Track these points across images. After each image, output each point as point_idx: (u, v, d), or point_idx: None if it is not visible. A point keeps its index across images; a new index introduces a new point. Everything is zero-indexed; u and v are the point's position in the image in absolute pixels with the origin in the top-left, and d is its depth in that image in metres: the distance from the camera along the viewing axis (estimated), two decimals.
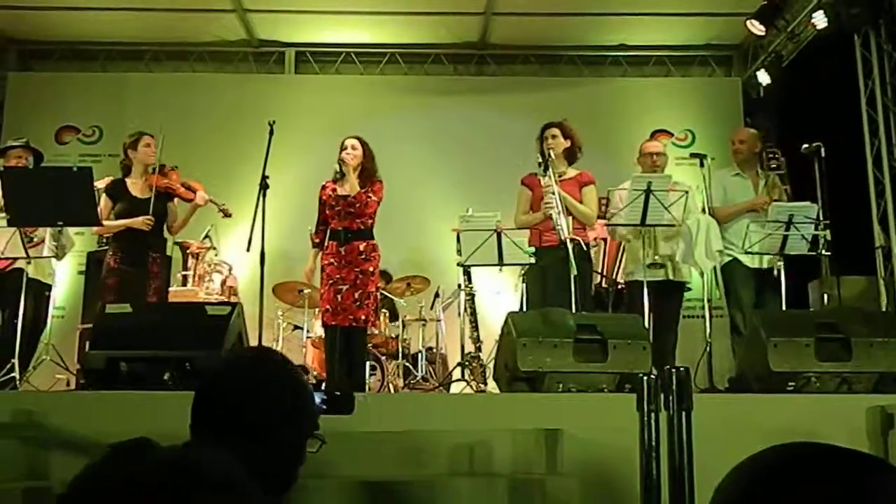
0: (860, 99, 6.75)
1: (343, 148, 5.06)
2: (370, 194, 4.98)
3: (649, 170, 5.52)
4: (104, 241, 6.73)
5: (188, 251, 6.30)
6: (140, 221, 5.17)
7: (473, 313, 5.36)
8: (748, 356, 4.18)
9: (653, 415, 2.66)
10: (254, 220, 4.60)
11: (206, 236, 6.37)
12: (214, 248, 6.43)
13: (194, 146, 7.25)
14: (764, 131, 7.77)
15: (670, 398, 2.53)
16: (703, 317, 7.51)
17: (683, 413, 2.52)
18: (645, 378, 2.73)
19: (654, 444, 2.65)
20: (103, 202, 5.23)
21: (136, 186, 5.36)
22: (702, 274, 5.10)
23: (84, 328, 6.57)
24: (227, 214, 5.61)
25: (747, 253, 5.01)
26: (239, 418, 1.50)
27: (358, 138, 5.12)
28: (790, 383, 3.94)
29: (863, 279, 6.31)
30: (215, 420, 1.50)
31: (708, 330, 4.97)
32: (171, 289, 5.73)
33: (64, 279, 6.79)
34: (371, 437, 3.32)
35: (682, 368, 2.56)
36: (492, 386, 4.90)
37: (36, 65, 8.49)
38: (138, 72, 8.36)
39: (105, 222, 5.17)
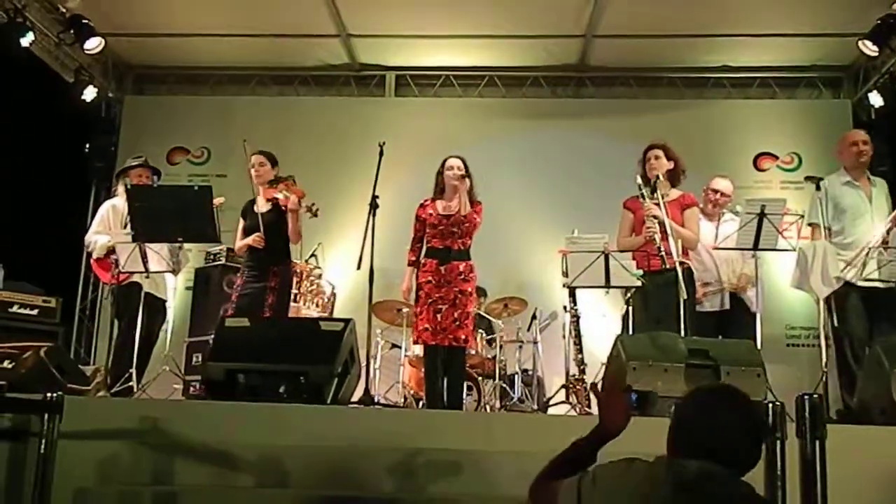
0: None
1: (448, 168, 5.11)
2: (475, 215, 5.03)
3: (710, 207, 5.49)
4: (212, 257, 7.00)
5: (294, 270, 6.44)
6: (251, 240, 5.34)
7: (578, 335, 5.31)
8: (869, 386, 4.02)
9: (778, 443, 2.60)
10: (364, 238, 4.70)
11: (313, 255, 6.51)
12: (319, 268, 6.56)
13: (297, 167, 7.35)
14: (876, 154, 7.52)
15: (803, 426, 2.46)
16: (810, 346, 7.36)
17: (817, 441, 2.45)
18: (770, 405, 2.67)
19: (780, 472, 2.58)
20: (240, 223, 5.46)
21: (259, 203, 5.55)
22: (817, 301, 4.92)
23: (191, 342, 6.82)
24: (314, 214, 5.58)
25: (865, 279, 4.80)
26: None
27: (461, 159, 5.16)
28: None
29: None
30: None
31: (824, 359, 4.78)
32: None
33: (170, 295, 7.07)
34: (489, 456, 3.35)
35: (815, 395, 2.48)
36: (596, 408, 4.85)
37: (150, 88, 8.92)
38: (245, 95, 8.67)
39: (237, 243, 5.44)
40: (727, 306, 5.51)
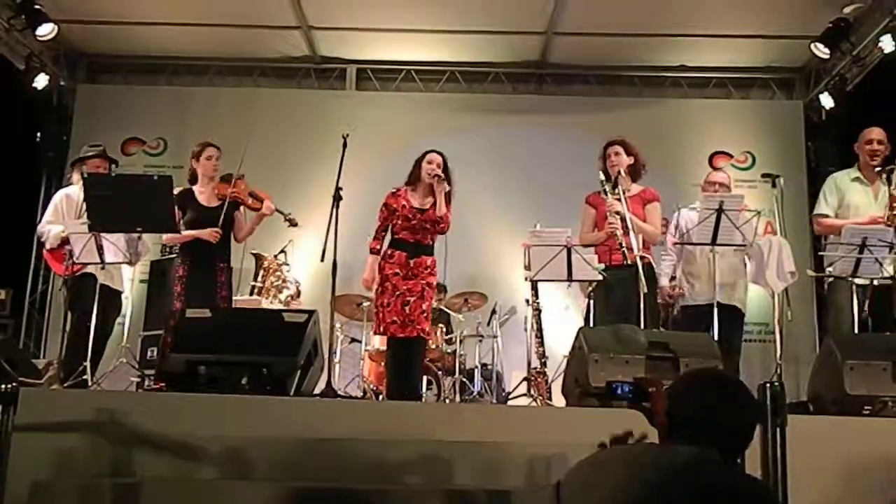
0: None
1: (427, 161, 5.02)
2: (450, 216, 5.00)
3: None
4: (168, 250, 6.88)
5: (261, 264, 6.40)
6: (207, 234, 5.29)
7: (540, 329, 5.35)
8: (823, 378, 4.12)
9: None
10: (327, 231, 4.68)
11: (282, 251, 6.46)
12: (287, 265, 6.51)
13: (255, 160, 7.29)
14: (826, 155, 7.75)
15: (765, 413, 2.52)
16: (762, 341, 7.52)
17: (778, 429, 2.51)
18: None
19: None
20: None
21: (203, 195, 5.49)
22: (773, 295, 5.02)
23: (146, 335, 6.70)
24: (292, 224, 5.70)
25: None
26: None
27: (442, 155, 5.07)
28: (866, 407, 3.89)
29: None
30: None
31: (779, 352, 4.89)
32: (236, 297, 5.81)
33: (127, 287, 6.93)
34: (453, 446, 3.35)
35: (776, 383, 2.54)
36: (557, 401, 4.89)
37: (104, 77, 8.73)
38: (203, 86, 8.55)
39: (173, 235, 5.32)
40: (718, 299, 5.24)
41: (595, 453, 1.96)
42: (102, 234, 5.02)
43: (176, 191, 5.37)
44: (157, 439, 3.40)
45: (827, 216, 5.18)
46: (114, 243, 5.10)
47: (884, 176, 5.03)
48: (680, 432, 1.91)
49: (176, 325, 4.09)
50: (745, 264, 5.24)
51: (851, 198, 5.15)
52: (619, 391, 2.21)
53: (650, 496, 1.78)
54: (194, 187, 5.53)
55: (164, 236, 5.67)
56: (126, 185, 4.98)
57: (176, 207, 5.32)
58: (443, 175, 4.96)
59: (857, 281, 4.82)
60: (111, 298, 5.59)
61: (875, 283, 4.87)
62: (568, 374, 4.24)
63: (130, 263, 5.30)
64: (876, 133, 5.22)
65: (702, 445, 1.85)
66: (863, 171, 5.21)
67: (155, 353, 6.44)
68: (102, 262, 5.10)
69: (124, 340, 5.48)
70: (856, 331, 4.73)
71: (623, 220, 4.81)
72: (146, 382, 5.77)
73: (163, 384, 4.07)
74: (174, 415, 3.52)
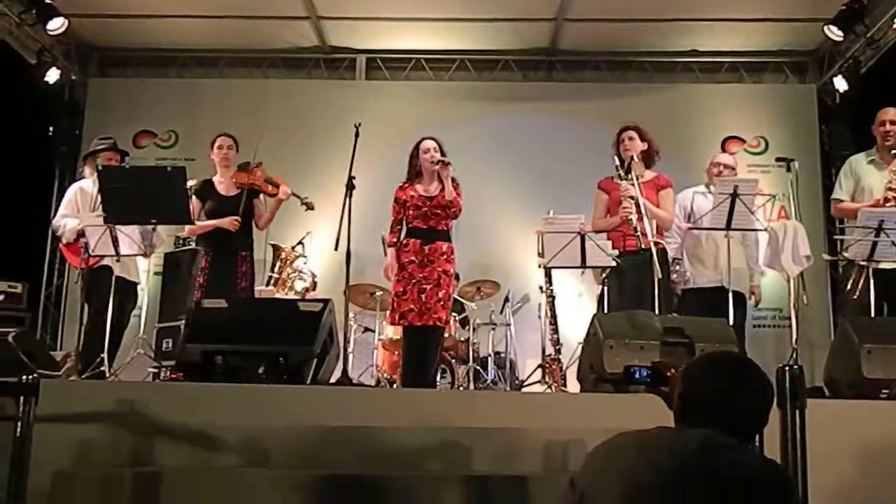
0: None
1: (424, 150, 5.06)
2: (459, 199, 5.01)
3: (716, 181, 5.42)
4: (181, 242, 6.91)
5: (279, 255, 6.42)
6: (227, 222, 5.33)
7: (554, 316, 5.35)
8: (840, 362, 4.11)
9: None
10: (341, 219, 4.69)
11: (300, 243, 6.48)
12: (304, 256, 6.53)
13: (267, 150, 7.31)
14: (840, 139, 7.69)
15: (783, 396, 2.51)
16: (777, 326, 7.50)
17: (797, 411, 2.51)
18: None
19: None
20: (194, 202, 5.38)
21: (222, 185, 5.54)
22: (788, 279, 5.01)
23: (161, 327, 6.73)
24: (309, 207, 5.72)
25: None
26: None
27: (436, 140, 5.12)
28: (883, 391, 3.87)
29: None
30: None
31: (794, 336, 4.87)
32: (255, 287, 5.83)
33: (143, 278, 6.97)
34: (469, 433, 3.36)
35: (795, 366, 2.54)
36: (572, 387, 4.90)
37: (115, 71, 8.76)
38: (213, 78, 8.56)
39: (196, 222, 5.33)
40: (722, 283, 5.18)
41: (609, 439, 1.94)
42: (117, 227, 5.04)
43: (196, 182, 5.44)
44: (176, 429, 3.42)
45: (842, 200, 5.16)
46: (128, 235, 5.12)
47: None
48: (694, 415, 1.91)
49: (192, 315, 4.11)
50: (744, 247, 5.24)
51: (867, 180, 5.12)
52: (637, 375, 2.23)
53: (665, 482, 1.77)
54: (214, 177, 5.58)
55: (187, 228, 5.69)
56: (140, 176, 5.00)
57: (193, 198, 5.38)
58: (445, 159, 4.97)
59: (864, 264, 4.78)
60: (127, 290, 5.63)
61: (881, 266, 4.81)
62: (583, 361, 4.24)
63: (145, 255, 5.32)
64: (891, 114, 5.16)
65: (716, 429, 1.84)
66: (879, 153, 5.17)
67: (170, 344, 6.48)
68: (118, 254, 5.13)
69: (141, 332, 5.51)
70: (872, 314, 4.71)
71: (637, 204, 4.80)
72: (162, 373, 5.83)
73: (180, 374, 4.09)
74: (192, 404, 3.54)
